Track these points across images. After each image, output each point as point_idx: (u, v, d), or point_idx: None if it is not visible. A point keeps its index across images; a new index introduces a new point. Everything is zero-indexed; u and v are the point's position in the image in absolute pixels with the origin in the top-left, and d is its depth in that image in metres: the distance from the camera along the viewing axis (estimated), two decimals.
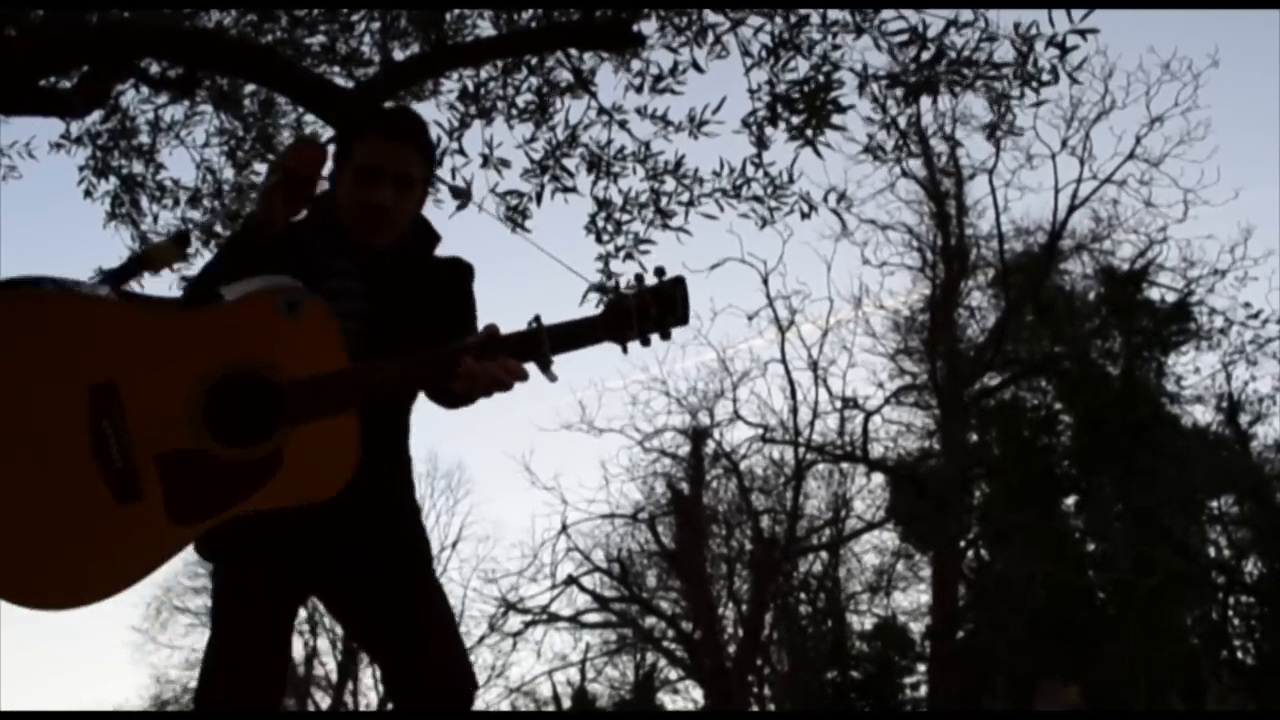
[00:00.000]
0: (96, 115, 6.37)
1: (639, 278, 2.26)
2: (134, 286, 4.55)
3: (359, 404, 2.09)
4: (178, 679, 27.11)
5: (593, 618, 20.87)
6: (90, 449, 1.93)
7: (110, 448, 1.94)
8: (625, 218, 5.35)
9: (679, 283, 2.27)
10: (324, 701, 27.05)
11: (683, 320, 2.29)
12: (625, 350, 2.29)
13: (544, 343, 2.17)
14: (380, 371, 2.11)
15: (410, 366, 2.14)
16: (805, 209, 5.36)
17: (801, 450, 19.26)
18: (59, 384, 1.93)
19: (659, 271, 2.29)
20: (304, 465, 2.06)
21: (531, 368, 2.20)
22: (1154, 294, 19.66)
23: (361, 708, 26.79)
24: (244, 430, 2.03)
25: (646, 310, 2.24)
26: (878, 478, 20.14)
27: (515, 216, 5.24)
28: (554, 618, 20.05)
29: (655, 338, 2.30)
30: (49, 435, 1.93)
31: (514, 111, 5.38)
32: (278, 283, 2.09)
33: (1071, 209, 18.63)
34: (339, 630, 27.18)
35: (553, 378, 2.19)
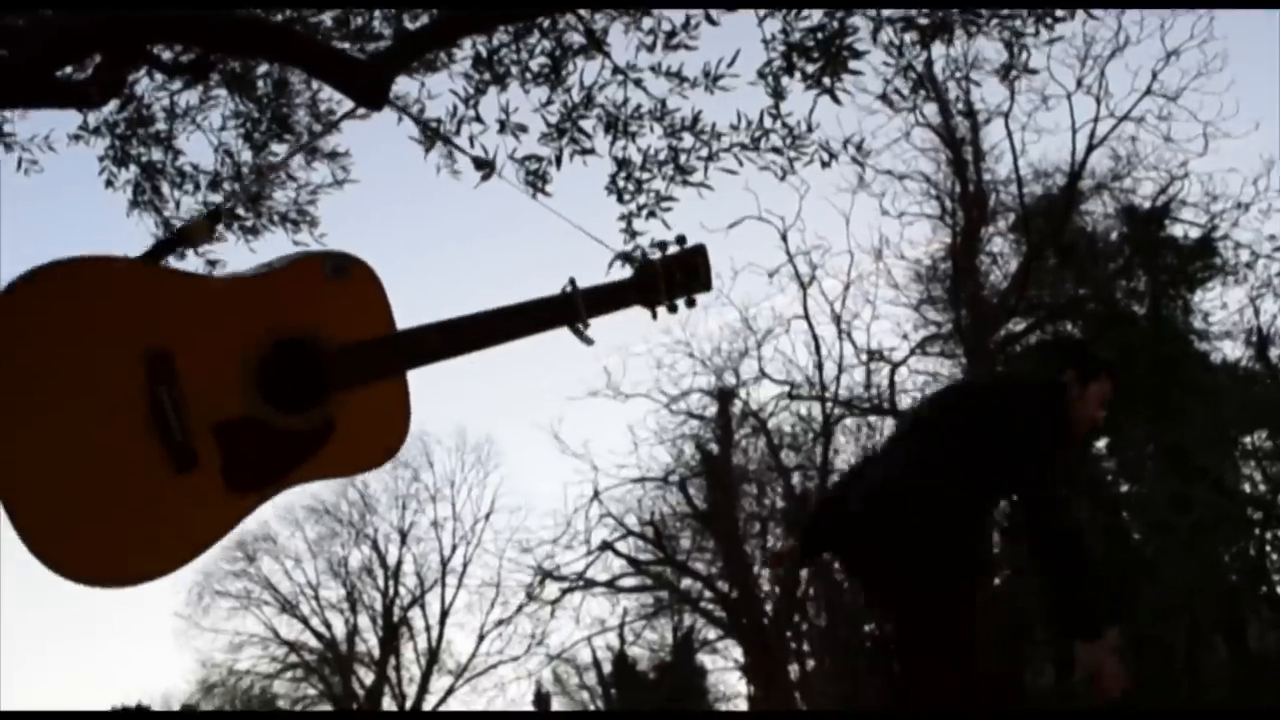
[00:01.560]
0: (113, 105, 6.40)
1: (661, 244, 2.31)
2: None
3: (405, 370, 2.11)
4: (222, 662, 27.52)
5: (629, 582, 21.06)
6: (147, 417, 1.90)
7: (168, 417, 1.90)
8: (645, 176, 5.36)
9: (700, 250, 2.33)
10: (367, 678, 27.39)
11: (706, 286, 2.35)
12: (655, 316, 2.35)
13: (579, 305, 2.21)
14: (424, 337, 2.14)
15: (452, 332, 2.17)
16: (825, 158, 5.36)
17: (829, 405, 19.29)
18: (116, 349, 1.89)
19: (679, 240, 2.34)
20: (356, 433, 2.07)
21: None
22: (1177, 231, 19.50)
23: (404, 682, 27.11)
24: (296, 397, 2.02)
25: (673, 275, 2.30)
26: None
27: (535, 181, 5.27)
28: (590, 583, 20.22)
29: (682, 305, 2.36)
30: (107, 403, 1.88)
31: (528, 76, 5.39)
32: (325, 250, 2.12)
33: (1090, 149, 18.49)
34: (378, 607, 27.53)
35: (588, 341, 2.24)
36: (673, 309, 2.33)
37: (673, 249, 2.33)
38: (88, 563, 1.87)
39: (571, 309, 2.21)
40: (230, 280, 2.04)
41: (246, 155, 6.71)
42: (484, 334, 2.19)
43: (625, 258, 2.34)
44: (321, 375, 2.04)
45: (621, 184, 5.41)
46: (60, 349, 1.86)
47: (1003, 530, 20.24)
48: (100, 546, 1.87)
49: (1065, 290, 20.35)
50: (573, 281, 2.22)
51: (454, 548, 27.51)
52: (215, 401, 1.94)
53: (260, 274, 2.04)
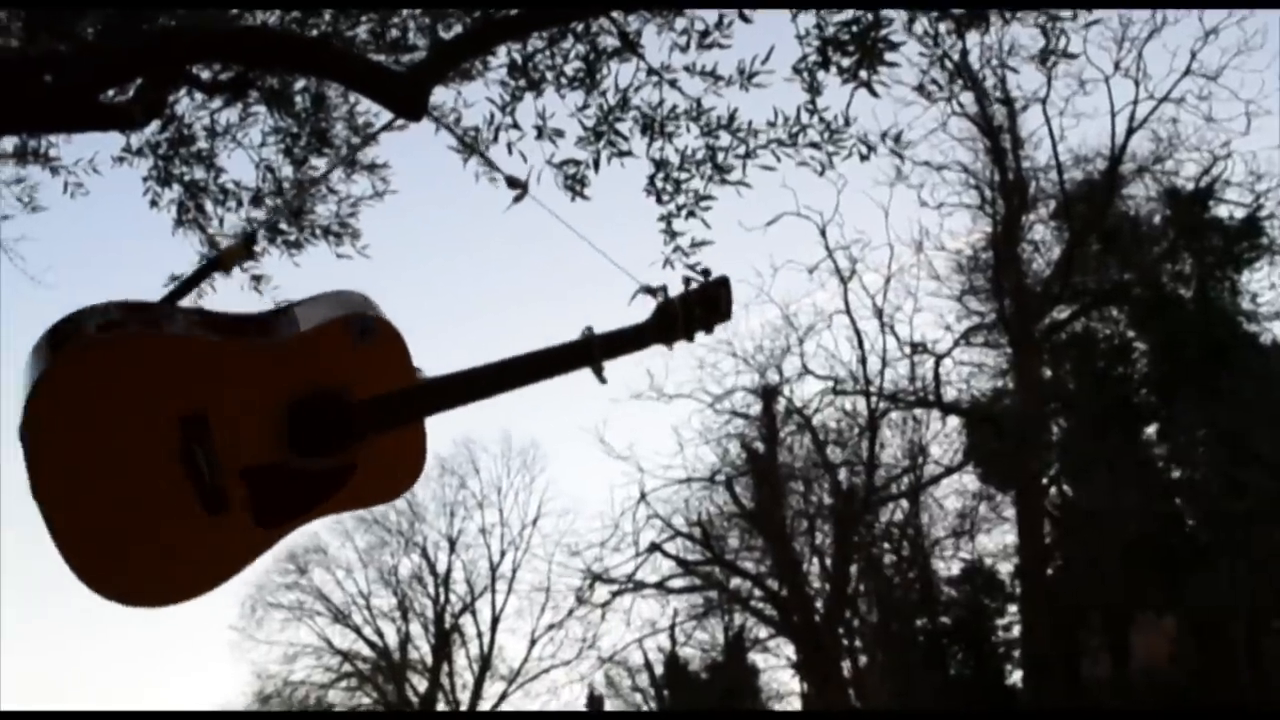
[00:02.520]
0: (154, 126, 6.48)
1: (686, 280, 2.42)
2: (207, 288, 4.65)
3: (424, 418, 2.29)
4: (277, 673, 27.74)
5: (678, 583, 21.03)
6: (183, 472, 2.12)
7: (201, 469, 2.12)
8: (684, 176, 5.35)
9: (722, 283, 2.45)
10: (421, 685, 27.53)
11: (726, 317, 2.47)
12: (671, 349, 2.48)
13: (596, 353, 2.36)
14: (443, 388, 2.30)
15: (471, 382, 2.33)
16: (864, 151, 5.34)
17: (873, 400, 19.20)
18: (152, 418, 2.12)
19: (704, 273, 2.46)
20: (374, 472, 2.27)
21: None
22: (1222, 211, 19.27)
23: (458, 689, 27.24)
24: (321, 444, 2.21)
25: (692, 311, 2.42)
26: (953, 421, 20.03)
27: (574, 186, 5.29)
28: (640, 585, 20.22)
29: (700, 334, 2.47)
30: (146, 464, 2.12)
31: (563, 81, 5.39)
32: (350, 305, 2.26)
33: (1130, 132, 18.32)
34: (429, 615, 27.67)
35: (603, 381, 2.40)
36: (691, 340, 2.46)
37: (697, 282, 2.44)
38: (125, 590, 2.20)
39: (588, 355, 2.35)
40: (260, 341, 2.23)
41: (287, 170, 6.76)
42: (502, 382, 2.34)
43: (649, 291, 2.42)
44: (345, 425, 2.22)
45: (660, 185, 5.40)
46: (102, 421, 2.10)
47: (1053, 520, 20.08)
48: (137, 578, 2.20)
49: (1109, 276, 20.15)
50: (590, 329, 2.36)
51: (503, 553, 27.62)
52: (244, 450, 2.16)
53: (289, 336, 2.22)
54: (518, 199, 4.10)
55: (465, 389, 2.33)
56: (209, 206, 6.74)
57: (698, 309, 2.41)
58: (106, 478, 2.11)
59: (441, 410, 2.32)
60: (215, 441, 2.13)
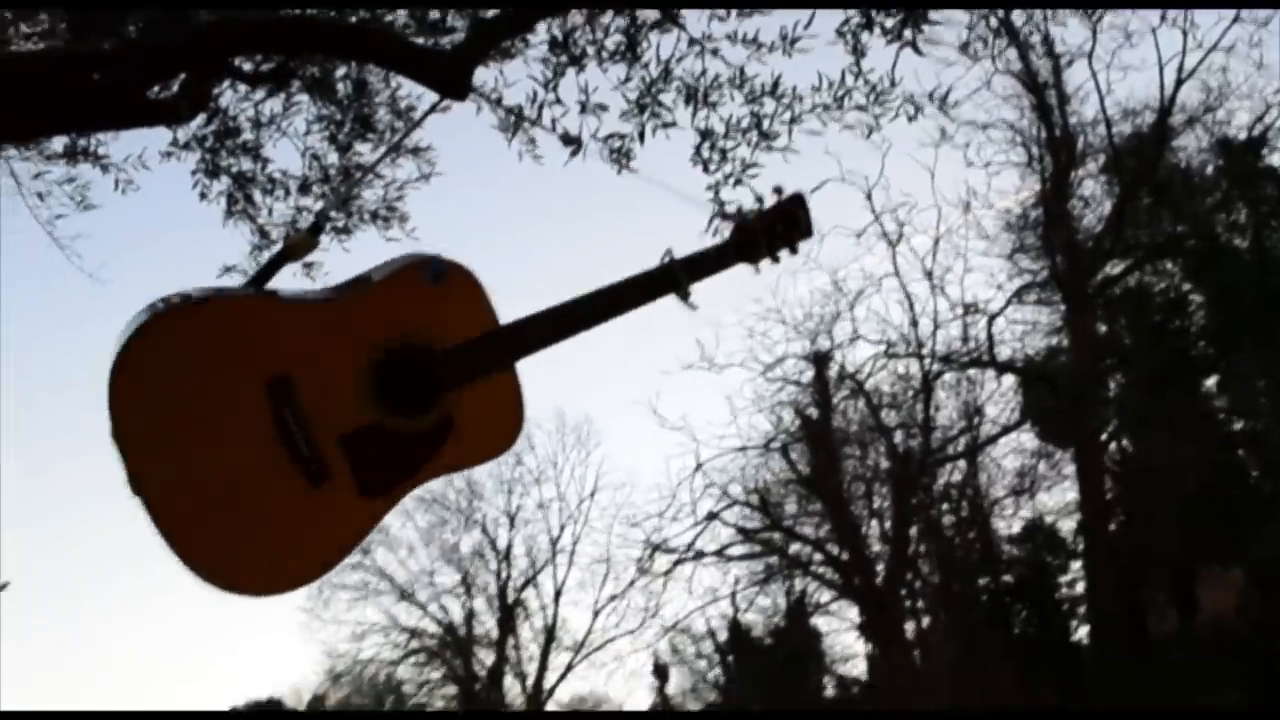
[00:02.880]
0: (200, 119, 6.50)
1: (760, 199, 2.34)
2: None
3: (513, 361, 2.18)
4: (347, 651, 28.14)
5: (738, 550, 21.01)
6: (276, 441, 2.02)
7: (295, 437, 2.02)
8: (729, 145, 5.29)
9: (799, 199, 2.37)
10: (488, 658, 27.81)
11: (807, 233, 2.38)
12: (758, 270, 2.38)
13: (680, 275, 2.26)
14: (528, 327, 2.20)
15: (556, 319, 2.23)
16: (911, 112, 5.24)
17: (927, 362, 19.03)
18: (238, 385, 2.02)
19: (777, 190, 2.37)
20: (475, 426, 2.16)
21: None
22: (1276, 160, 18.83)
23: (524, 661, 27.49)
24: (412, 400, 2.11)
25: (773, 228, 2.34)
26: (1008, 380, 19.80)
27: (620, 159, 5.24)
28: (700, 554, 20.22)
29: (785, 254, 2.39)
30: (237, 434, 2.01)
31: (604, 55, 5.33)
32: (420, 255, 2.18)
33: (1179, 83, 17.91)
34: (492, 590, 27.91)
35: (693, 307, 2.29)
36: (776, 259, 2.37)
37: (771, 200, 2.37)
38: (233, 578, 2.04)
39: (672, 279, 2.26)
40: (335, 300, 2.13)
41: (333, 157, 6.77)
42: (587, 315, 2.24)
43: (724, 215, 2.34)
44: (434, 377, 2.11)
45: (706, 154, 5.33)
46: (189, 390, 2.00)
47: (1114, 475, 19.82)
48: (246, 562, 2.04)
49: (1162, 228, 19.80)
50: (670, 252, 2.28)
51: (562, 527, 27.79)
52: (337, 415, 2.05)
53: (363, 289, 2.13)
54: (573, 154, 4.08)
55: (552, 325, 2.23)
56: (257, 197, 6.76)
57: (778, 225, 2.35)
58: (201, 454, 2.00)
59: (531, 351, 2.21)
60: (304, 406, 2.03)
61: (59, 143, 6.65)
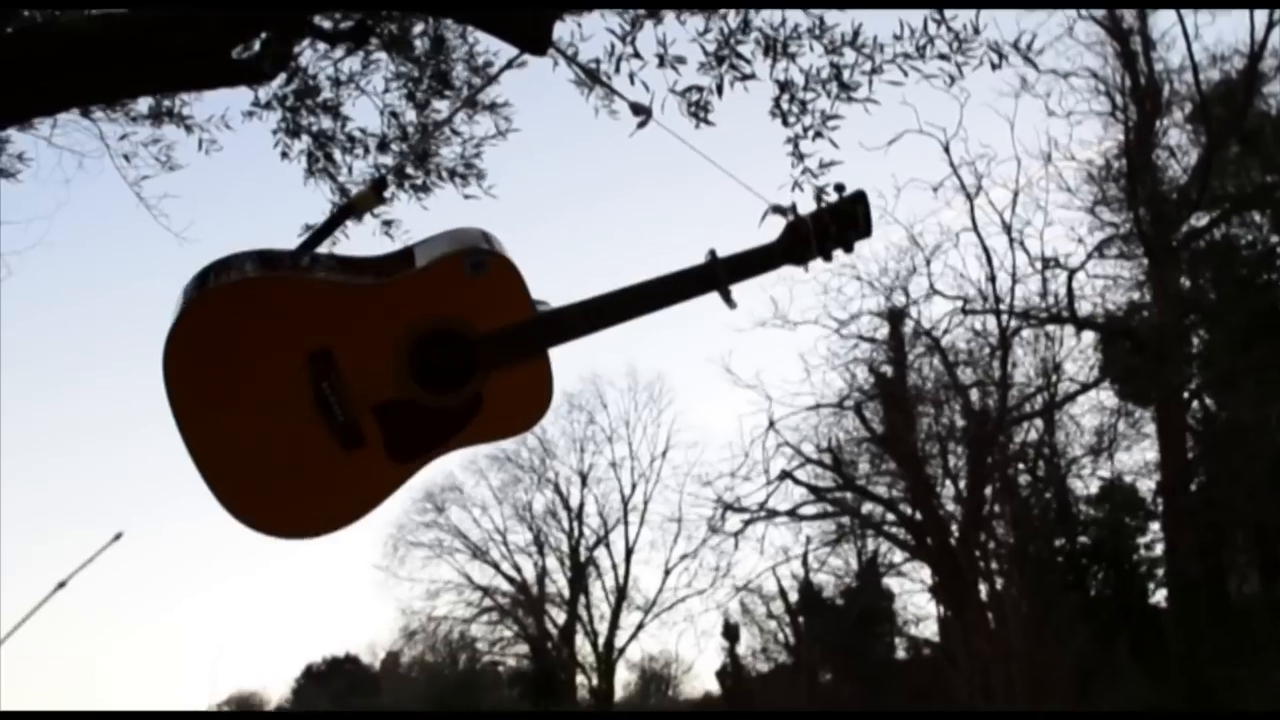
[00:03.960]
0: (280, 79, 6.61)
1: (818, 196, 2.36)
2: (339, 234, 4.75)
3: (546, 349, 2.29)
4: (421, 609, 28.66)
5: (810, 510, 21.03)
6: (314, 408, 2.21)
7: (331, 405, 2.20)
8: (809, 97, 5.26)
9: (858, 198, 2.36)
10: (560, 617, 28.17)
11: (865, 233, 2.39)
12: (806, 269, 2.40)
13: (721, 278, 2.31)
14: (564, 318, 2.30)
15: (593, 311, 2.31)
16: (995, 60, 5.18)
17: (1004, 318, 18.80)
18: (281, 356, 2.21)
19: (839, 188, 2.37)
20: (502, 405, 2.30)
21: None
22: None
23: (595, 620, 27.79)
24: (445, 379, 2.26)
25: (826, 229, 2.34)
26: (1088, 336, 19.52)
27: (698, 112, 5.24)
28: (772, 514, 20.25)
29: (838, 252, 2.39)
30: (280, 400, 2.22)
31: (682, 6, 5.33)
32: (463, 240, 2.29)
33: (1270, 27, 17.36)
34: (564, 549, 28.22)
35: (732, 306, 2.34)
36: (827, 259, 2.38)
37: (831, 198, 2.37)
38: (280, 521, 2.31)
39: (714, 280, 2.31)
40: (381, 280, 2.28)
41: (411, 115, 6.84)
42: (624, 311, 2.33)
43: (779, 210, 2.34)
44: (467, 360, 2.26)
45: (785, 107, 5.30)
46: (237, 359, 2.22)
47: (1196, 435, 19.51)
48: (288, 509, 2.31)
49: (1250, 179, 19.33)
50: (712, 252, 2.32)
51: (634, 486, 28.01)
52: (372, 387, 2.23)
53: (405, 273, 2.27)
54: (641, 125, 4.09)
55: (587, 318, 2.31)
56: (337, 155, 6.86)
57: (833, 226, 2.34)
58: (244, 417, 2.22)
59: (564, 341, 2.32)
60: (343, 378, 2.20)
61: (144, 104, 6.81)
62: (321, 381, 2.20)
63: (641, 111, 3.44)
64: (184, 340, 2.17)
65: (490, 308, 2.25)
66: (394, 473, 2.30)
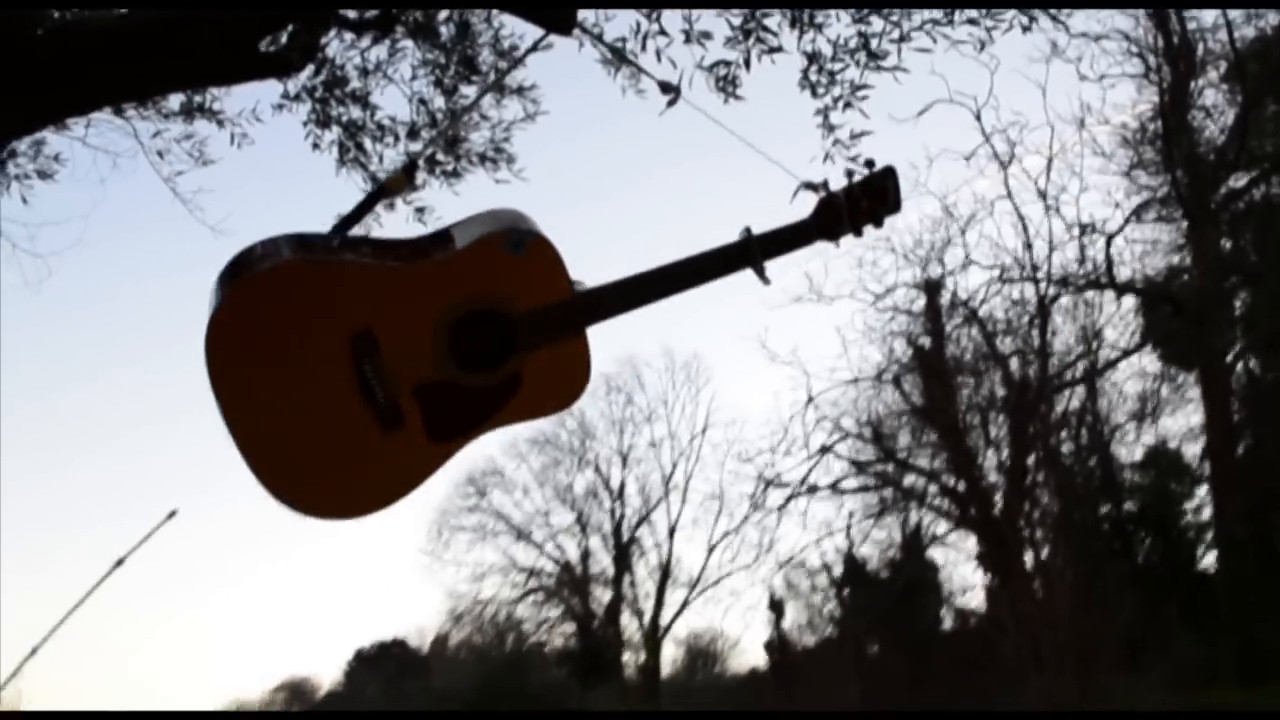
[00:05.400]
0: (308, 71, 6.62)
1: (849, 172, 2.35)
2: (372, 222, 4.74)
3: (584, 328, 2.30)
4: (467, 592, 28.83)
5: (852, 483, 21.00)
6: (356, 389, 2.21)
7: (372, 386, 2.21)
8: (837, 67, 5.22)
9: (888, 173, 2.36)
10: (604, 596, 28.26)
11: (895, 209, 2.38)
12: (838, 245, 2.42)
13: (756, 255, 2.32)
14: (601, 297, 2.31)
15: (629, 290, 2.33)
16: (1025, 23, 5.10)
17: (1042, 285, 18.61)
18: (323, 338, 2.21)
19: (868, 164, 2.36)
20: (542, 383, 2.31)
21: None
22: None
23: (640, 598, 27.86)
24: (485, 359, 2.27)
25: (858, 205, 2.34)
26: (1128, 301, 19.29)
27: (726, 87, 5.20)
28: (813, 488, 20.24)
29: (869, 227, 2.40)
30: (321, 382, 2.22)
31: None
32: (501, 221, 2.30)
33: None
34: (607, 529, 28.31)
35: (767, 282, 2.37)
36: (859, 234, 2.39)
37: (861, 174, 2.36)
38: (322, 503, 2.31)
39: (749, 257, 2.32)
40: (419, 261, 2.29)
41: (439, 101, 6.84)
42: (660, 289, 2.34)
43: (810, 187, 2.34)
44: (507, 340, 2.27)
45: (814, 78, 5.27)
46: (280, 341, 2.22)
47: (1241, 398, 19.25)
48: (329, 490, 2.31)
49: None
50: (748, 230, 2.33)
51: (674, 465, 27.99)
52: (413, 368, 2.24)
53: (444, 254, 2.28)
54: (671, 103, 4.05)
55: (624, 297, 2.33)
56: (368, 144, 6.89)
57: (864, 201, 2.35)
58: (286, 401, 2.22)
59: (601, 319, 2.33)
60: (384, 359, 2.21)
61: (176, 101, 6.85)
62: (363, 363, 2.20)
63: (670, 90, 3.41)
64: (225, 328, 2.17)
65: (529, 287, 2.25)
66: (434, 453, 2.31)
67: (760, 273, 2.34)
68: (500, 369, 2.28)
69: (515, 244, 2.24)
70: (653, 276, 2.34)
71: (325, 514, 2.32)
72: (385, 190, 2.68)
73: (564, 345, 2.30)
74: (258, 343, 2.21)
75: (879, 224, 2.39)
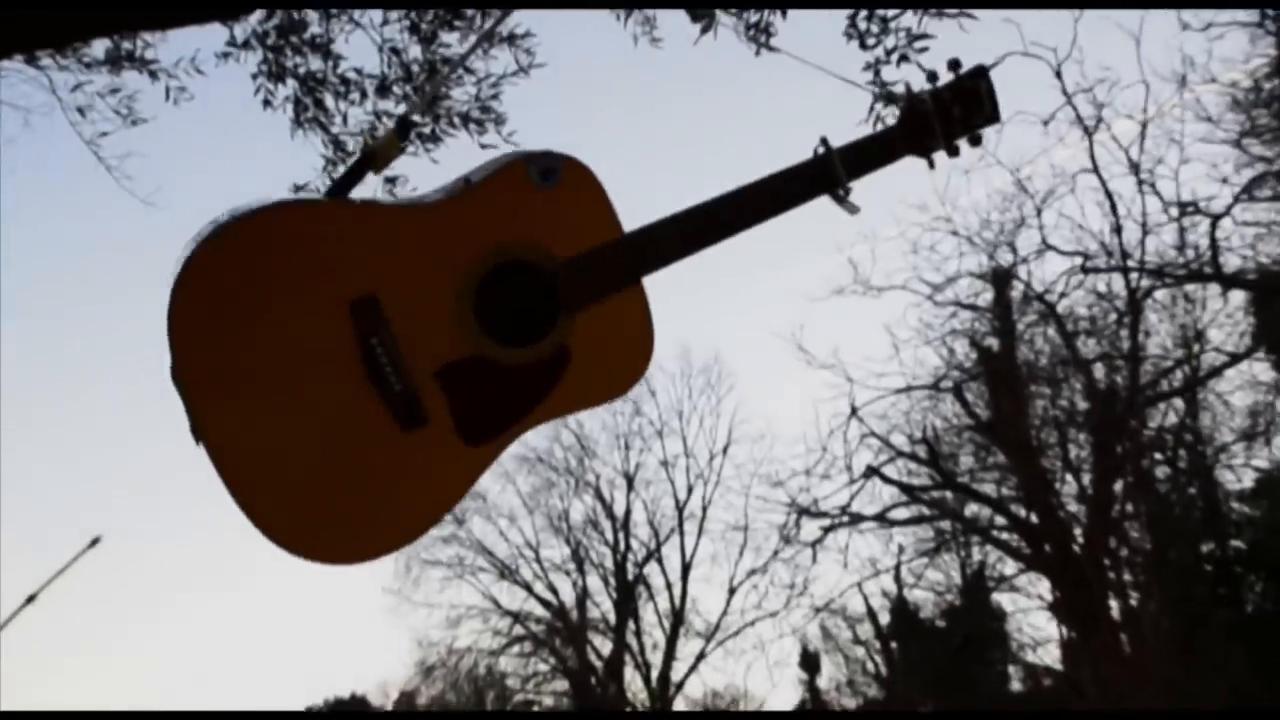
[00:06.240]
0: (259, 14, 6.65)
1: (932, 75, 2.31)
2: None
3: (641, 276, 2.18)
4: (440, 639, 28.82)
5: (902, 513, 21.03)
6: (363, 376, 2.03)
7: (385, 370, 2.02)
8: (891, 13, 5.25)
9: (980, 73, 2.33)
10: (604, 647, 28.27)
11: (992, 118, 2.35)
12: (932, 164, 2.36)
13: (837, 168, 2.25)
14: (658, 235, 2.20)
15: (691, 223, 2.22)
16: None
17: (1134, 276, 18.64)
18: (314, 305, 2.02)
19: (953, 64, 2.32)
20: (595, 358, 2.15)
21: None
22: None
23: (647, 649, 27.88)
24: (523, 326, 2.11)
25: (948, 111, 2.30)
26: (1237, 296, 19.29)
27: (759, 37, 5.23)
28: (856, 518, 20.28)
29: (964, 145, 2.36)
30: (316, 369, 2.02)
31: None
32: (527, 151, 2.17)
33: None
34: (608, 565, 28.32)
35: (853, 209, 2.27)
36: (953, 152, 2.35)
37: (946, 77, 2.33)
38: (325, 544, 2.06)
39: (828, 174, 2.25)
40: (425, 204, 2.12)
41: (415, 51, 6.86)
42: (729, 220, 2.23)
43: (888, 97, 2.35)
44: (547, 297, 2.12)
45: (863, 26, 5.31)
46: (256, 316, 2.00)
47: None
48: (335, 523, 2.05)
49: None
50: (825, 141, 2.26)
51: (689, 489, 28.00)
52: (432, 344, 2.05)
53: (458, 192, 2.12)
54: (704, 30, 4.08)
55: (684, 236, 2.21)
56: (329, 101, 6.91)
57: (955, 108, 2.32)
58: (276, 395, 2.01)
59: (663, 264, 2.21)
60: (396, 334, 2.04)
61: (100, 47, 6.90)
62: (370, 337, 2.02)
63: (702, 16, 3.40)
64: (192, 299, 1.97)
65: (567, 227, 2.12)
66: (466, 459, 2.11)
67: (843, 198, 2.27)
68: (543, 339, 2.12)
69: (546, 171, 2.11)
70: (716, 207, 2.23)
71: (337, 558, 2.07)
72: (374, 155, 2.62)
73: (616, 304, 2.16)
74: (234, 319, 1.99)
75: (976, 140, 2.37)
